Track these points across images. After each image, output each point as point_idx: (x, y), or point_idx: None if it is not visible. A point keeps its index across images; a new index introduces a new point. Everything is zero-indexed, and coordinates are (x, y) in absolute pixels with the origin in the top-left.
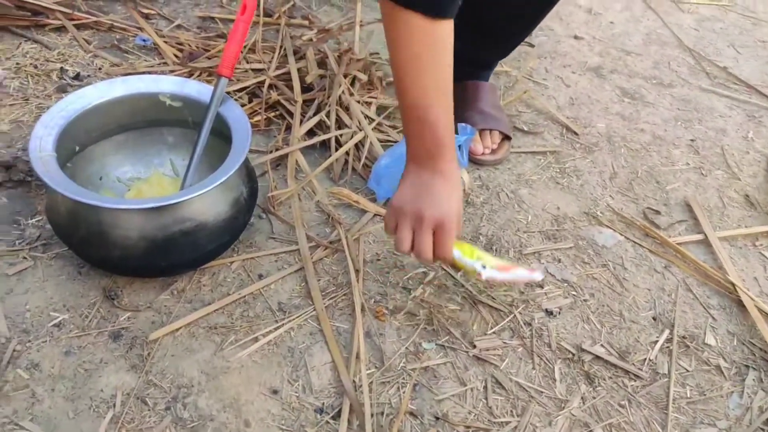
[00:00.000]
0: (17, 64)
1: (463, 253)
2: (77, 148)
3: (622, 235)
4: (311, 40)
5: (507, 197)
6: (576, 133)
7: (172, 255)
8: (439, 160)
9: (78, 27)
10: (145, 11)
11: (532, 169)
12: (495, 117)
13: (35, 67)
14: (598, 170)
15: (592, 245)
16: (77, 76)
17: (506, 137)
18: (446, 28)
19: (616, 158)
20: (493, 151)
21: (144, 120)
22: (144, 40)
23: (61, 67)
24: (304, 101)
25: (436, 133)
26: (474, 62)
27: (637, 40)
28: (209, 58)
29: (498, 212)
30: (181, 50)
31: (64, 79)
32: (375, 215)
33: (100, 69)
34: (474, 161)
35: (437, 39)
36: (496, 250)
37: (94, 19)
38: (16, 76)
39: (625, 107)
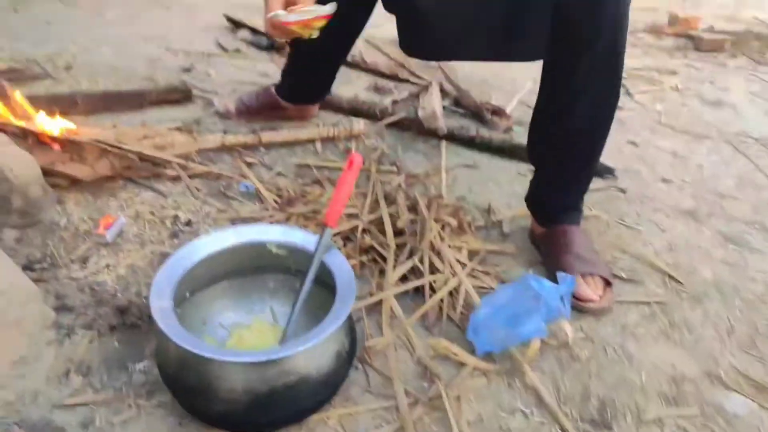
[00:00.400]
0: (136, 211)
1: None
2: (187, 295)
3: (754, 401)
4: (400, 185)
5: (614, 352)
6: (680, 282)
7: (273, 410)
8: None
9: (191, 176)
10: (249, 160)
11: (638, 320)
12: (593, 261)
13: (152, 214)
14: (711, 323)
15: (721, 413)
16: (188, 223)
17: (608, 283)
18: None
19: (730, 310)
20: (600, 298)
21: (250, 267)
22: (246, 187)
23: (175, 215)
24: (397, 246)
25: None
26: (560, 205)
27: (730, 183)
28: (306, 204)
29: (607, 369)
30: (280, 196)
31: (177, 226)
32: (475, 369)
33: (208, 215)
34: (578, 308)
35: None
36: (611, 415)
37: (205, 169)
38: (135, 222)
39: (729, 254)
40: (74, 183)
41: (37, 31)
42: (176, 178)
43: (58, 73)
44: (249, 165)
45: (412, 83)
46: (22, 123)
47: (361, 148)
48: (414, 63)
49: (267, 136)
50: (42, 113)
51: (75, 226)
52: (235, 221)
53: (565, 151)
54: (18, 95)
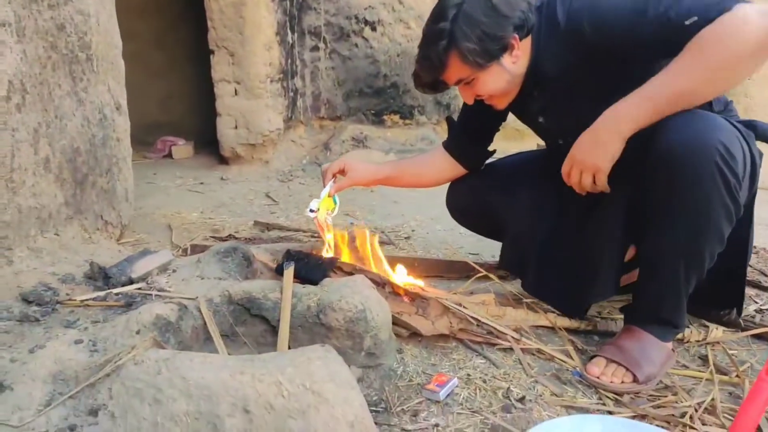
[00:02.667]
0: (468, 375)
1: None
2: None
3: None
4: None
5: None
6: None
7: None
8: (625, 122)
9: (523, 351)
10: (580, 346)
11: None
12: (632, 357)
13: (483, 381)
14: None
15: None
16: (521, 399)
17: (635, 380)
18: None
19: None
20: (607, 378)
21: None
22: (580, 375)
23: (508, 387)
24: None
25: (656, 116)
26: (638, 307)
27: None
28: (657, 407)
29: None
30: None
31: (509, 400)
32: None
33: (541, 396)
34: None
35: None
36: None
37: (537, 346)
38: (466, 386)
39: None
40: (413, 335)
41: (385, 207)
42: (508, 350)
43: (399, 241)
44: (581, 351)
45: None
46: (384, 273)
47: (720, 358)
48: None
49: (603, 325)
50: (399, 267)
51: (410, 377)
52: (569, 410)
53: (647, 267)
54: (380, 249)
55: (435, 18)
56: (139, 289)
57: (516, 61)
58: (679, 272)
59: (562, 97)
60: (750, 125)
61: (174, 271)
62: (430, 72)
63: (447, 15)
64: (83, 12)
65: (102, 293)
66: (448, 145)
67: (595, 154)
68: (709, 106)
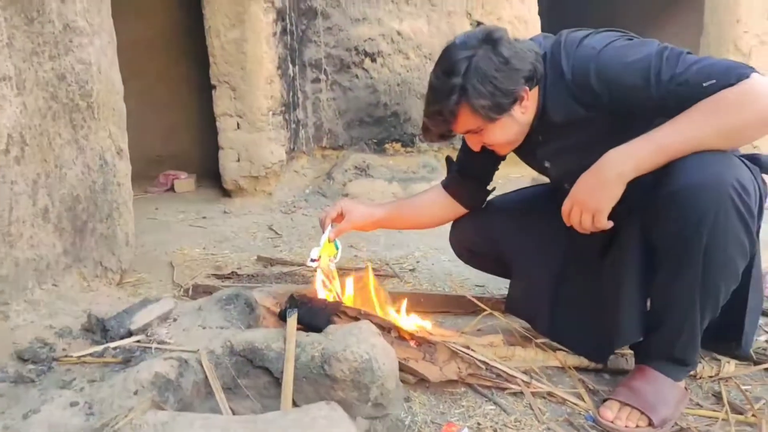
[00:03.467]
0: (478, 424)
1: None
2: None
3: None
4: None
5: None
6: None
7: None
8: (629, 164)
9: (533, 395)
10: (591, 386)
11: None
12: (646, 400)
13: (494, 430)
14: None
15: None
16: None
17: (651, 423)
18: None
19: None
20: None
21: None
22: (593, 419)
23: None
24: None
25: (658, 161)
26: (649, 346)
27: None
28: None
29: None
30: None
31: None
32: None
33: None
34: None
35: None
36: None
37: (548, 389)
38: None
39: None
40: (421, 381)
41: (390, 238)
42: (518, 394)
43: (404, 274)
44: (592, 392)
45: None
46: (390, 318)
47: (734, 395)
48: None
49: (614, 363)
50: (404, 310)
51: (419, 428)
52: None
53: (661, 305)
54: (383, 291)
55: (445, 72)
56: (138, 341)
57: (525, 111)
58: (695, 310)
59: (567, 144)
60: (754, 159)
61: (175, 320)
62: (440, 125)
63: (458, 70)
64: (84, 61)
65: (99, 348)
66: (446, 185)
67: (595, 195)
68: None
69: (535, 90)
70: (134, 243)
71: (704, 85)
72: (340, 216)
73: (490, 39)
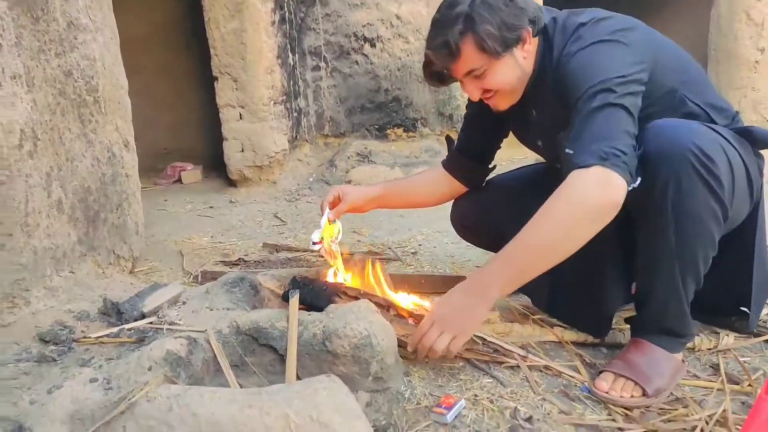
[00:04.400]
0: (475, 395)
1: None
2: None
3: None
4: None
5: None
6: None
7: None
8: (494, 288)
9: (530, 368)
10: (588, 359)
11: None
12: (641, 371)
13: (491, 402)
14: None
15: None
16: (529, 419)
17: (645, 394)
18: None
19: None
20: (615, 393)
21: None
22: (588, 390)
23: (516, 407)
24: None
25: (520, 279)
26: (643, 319)
27: None
28: (667, 421)
29: None
30: (628, 408)
31: (516, 420)
32: None
33: (549, 414)
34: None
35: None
36: None
37: (545, 363)
38: (474, 407)
39: None
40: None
41: (392, 222)
42: (514, 367)
43: (407, 257)
44: (589, 365)
45: None
46: (387, 295)
47: (732, 366)
48: None
49: (611, 337)
50: (402, 291)
51: (418, 400)
52: (578, 427)
53: (644, 275)
54: (382, 271)
55: (450, 3)
56: (151, 323)
57: (526, 56)
58: (676, 277)
59: (558, 124)
60: (745, 132)
61: (184, 303)
62: (443, 59)
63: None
64: (89, 57)
65: (115, 329)
66: (447, 164)
67: (461, 317)
68: (711, 121)
69: (536, 42)
70: (144, 232)
71: (566, 150)
72: (338, 199)
73: None
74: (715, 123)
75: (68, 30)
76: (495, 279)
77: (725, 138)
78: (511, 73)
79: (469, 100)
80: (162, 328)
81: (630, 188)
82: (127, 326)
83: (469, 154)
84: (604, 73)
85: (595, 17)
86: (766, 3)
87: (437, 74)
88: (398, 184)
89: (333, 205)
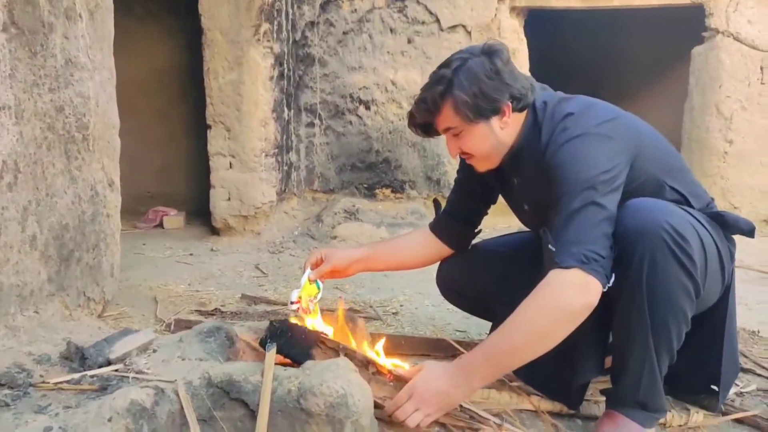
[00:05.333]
0: None
1: None
2: None
3: None
4: None
5: None
6: None
7: None
8: (477, 379)
9: None
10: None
11: None
12: None
13: None
14: None
15: None
16: None
17: None
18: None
19: None
20: None
21: None
22: None
23: None
24: None
25: (501, 371)
26: (616, 391)
27: None
28: None
29: None
30: None
31: None
32: None
33: None
34: None
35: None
36: None
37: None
38: None
39: None
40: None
41: (375, 281)
42: None
43: (388, 317)
44: None
45: (759, 375)
46: (369, 355)
47: None
48: (757, 352)
49: (587, 408)
50: (380, 349)
51: None
52: None
53: (619, 349)
54: (364, 328)
55: (441, 65)
56: (117, 370)
57: (504, 128)
58: (650, 351)
59: (542, 195)
60: (718, 216)
61: (155, 351)
62: (423, 114)
63: (451, 65)
64: (83, 95)
65: (77, 375)
66: (434, 226)
67: (439, 400)
68: (689, 205)
69: (521, 117)
70: (119, 275)
71: (549, 247)
72: (321, 260)
73: (490, 50)
74: (691, 207)
75: (65, 67)
76: (478, 370)
77: (698, 220)
78: (484, 139)
79: (461, 164)
80: (128, 377)
81: (605, 289)
82: (90, 373)
83: (458, 217)
84: (588, 170)
85: (582, 107)
86: (735, 99)
87: (421, 125)
88: (383, 246)
89: (315, 266)
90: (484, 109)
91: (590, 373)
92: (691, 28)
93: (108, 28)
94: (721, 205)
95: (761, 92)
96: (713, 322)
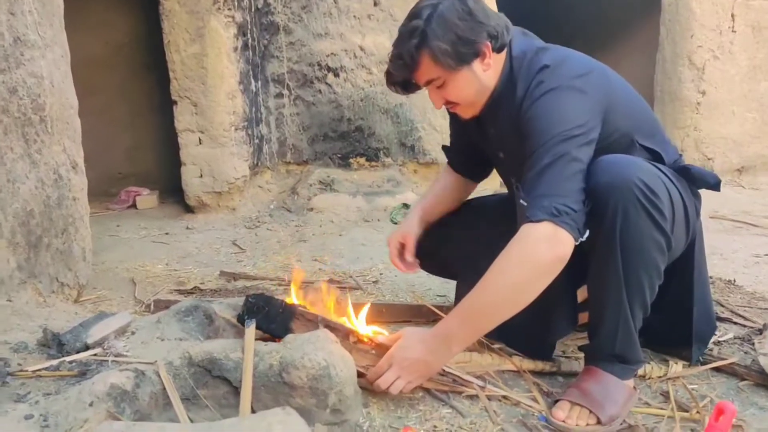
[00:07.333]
0: (435, 426)
1: None
2: None
3: None
4: None
5: None
6: None
7: None
8: (455, 344)
9: (489, 398)
10: (545, 388)
11: None
12: (596, 400)
13: None
14: None
15: None
16: None
17: (599, 421)
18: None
19: None
20: (572, 421)
21: None
22: (545, 419)
23: None
24: None
25: (478, 334)
26: (593, 347)
27: None
28: None
29: None
30: None
31: None
32: None
33: None
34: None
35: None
36: None
37: (503, 393)
38: None
39: None
40: None
41: (354, 250)
42: (474, 397)
43: (368, 286)
44: (547, 394)
45: (736, 323)
46: (350, 325)
47: (681, 394)
48: (733, 301)
49: (567, 365)
50: (362, 318)
51: None
52: None
53: (594, 303)
54: (346, 300)
55: (410, 17)
56: (95, 355)
57: (487, 69)
58: (624, 305)
59: (516, 145)
60: (684, 171)
61: (133, 333)
62: (401, 70)
63: (421, 14)
64: (36, 74)
65: (55, 362)
66: (453, 165)
67: (419, 367)
68: (659, 160)
69: (500, 57)
70: (92, 259)
71: (521, 201)
72: (402, 245)
73: None
74: (661, 162)
75: (14, 46)
76: (455, 335)
77: (666, 175)
78: (469, 85)
79: (450, 120)
80: (107, 360)
81: (578, 243)
82: (68, 359)
83: (466, 157)
84: (562, 124)
85: (558, 59)
86: (707, 49)
87: (400, 83)
88: (429, 202)
89: (401, 254)
90: (464, 53)
91: (563, 329)
92: None
93: (57, 1)
94: (694, 157)
95: (732, 40)
96: (682, 277)
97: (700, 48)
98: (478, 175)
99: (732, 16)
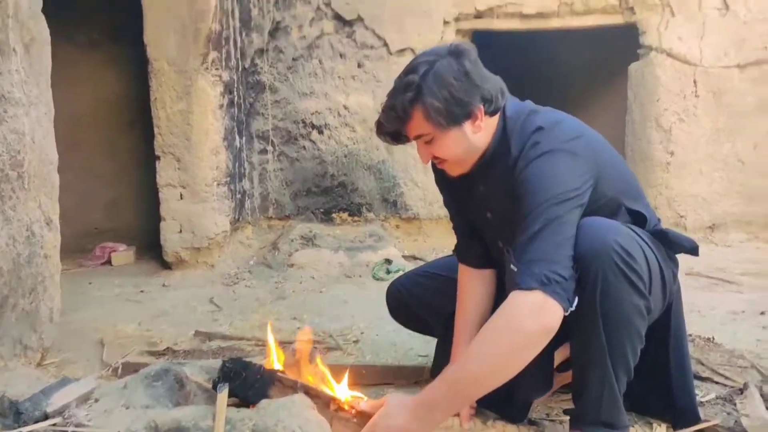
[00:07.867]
0: None
1: None
2: None
3: None
4: None
5: None
6: None
7: None
8: (439, 413)
9: None
10: None
11: None
12: None
13: None
14: None
15: None
16: None
17: None
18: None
19: None
20: None
21: None
22: None
23: None
24: None
25: (463, 402)
26: (577, 412)
27: None
28: None
29: None
30: None
31: None
32: None
33: None
34: None
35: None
36: None
37: None
38: None
39: None
40: None
41: (334, 308)
42: None
43: (348, 345)
44: None
45: (717, 383)
46: (330, 391)
47: None
48: (713, 360)
49: (551, 430)
50: (342, 384)
51: None
52: None
53: (579, 369)
54: (322, 363)
55: (406, 71)
56: (54, 425)
57: (477, 131)
58: (608, 371)
59: (507, 206)
60: (661, 234)
61: (96, 400)
62: (393, 122)
63: (418, 69)
64: (17, 131)
65: None
66: (460, 257)
67: None
68: (644, 224)
69: (493, 121)
70: (59, 319)
71: (512, 267)
72: None
73: (456, 51)
74: (646, 224)
75: None
76: (439, 403)
77: (642, 238)
78: (458, 144)
79: (438, 185)
80: (66, 431)
81: (567, 313)
82: (25, 429)
83: (469, 234)
84: (556, 187)
85: (552, 121)
86: (672, 112)
87: (390, 134)
88: (463, 324)
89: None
90: (456, 114)
91: (538, 390)
92: (628, 44)
93: (45, 62)
94: (667, 215)
95: (696, 104)
96: (659, 343)
97: (666, 111)
98: (483, 260)
99: (694, 81)
